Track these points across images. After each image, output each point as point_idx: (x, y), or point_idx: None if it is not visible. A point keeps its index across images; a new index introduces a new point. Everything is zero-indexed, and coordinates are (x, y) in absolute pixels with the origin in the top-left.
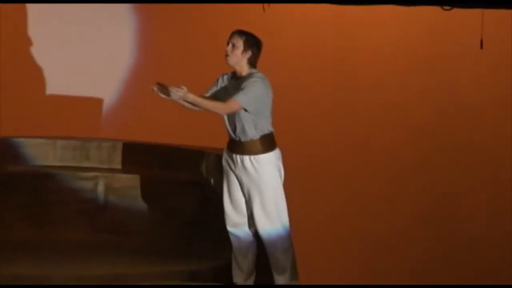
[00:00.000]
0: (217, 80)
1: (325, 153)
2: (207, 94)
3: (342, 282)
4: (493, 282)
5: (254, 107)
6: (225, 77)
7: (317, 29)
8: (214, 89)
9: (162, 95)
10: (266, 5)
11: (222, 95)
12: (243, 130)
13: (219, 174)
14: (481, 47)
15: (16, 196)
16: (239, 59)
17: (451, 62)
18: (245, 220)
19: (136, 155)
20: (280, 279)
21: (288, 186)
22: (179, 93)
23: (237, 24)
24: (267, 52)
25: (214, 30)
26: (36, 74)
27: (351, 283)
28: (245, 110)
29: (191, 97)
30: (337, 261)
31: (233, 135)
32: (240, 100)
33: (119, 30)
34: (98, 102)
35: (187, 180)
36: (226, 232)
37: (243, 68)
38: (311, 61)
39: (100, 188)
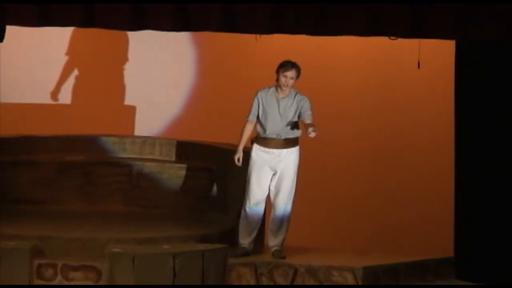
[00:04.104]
0: (257, 100)
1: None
2: (253, 112)
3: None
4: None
5: None
6: (263, 95)
7: (299, 54)
8: (260, 108)
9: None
10: (258, 36)
11: (270, 110)
12: (292, 132)
13: (221, 162)
14: (418, 67)
15: (70, 179)
16: (291, 86)
17: (396, 78)
18: (265, 197)
19: (160, 148)
20: (275, 241)
21: None
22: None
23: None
24: (260, 71)
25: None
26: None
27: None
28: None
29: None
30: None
31: (274, 136)
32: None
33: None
34: (131, 109)
35: (199, 166)
36: (229, 204)
37: (289, 90)
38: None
39: (134, 172)
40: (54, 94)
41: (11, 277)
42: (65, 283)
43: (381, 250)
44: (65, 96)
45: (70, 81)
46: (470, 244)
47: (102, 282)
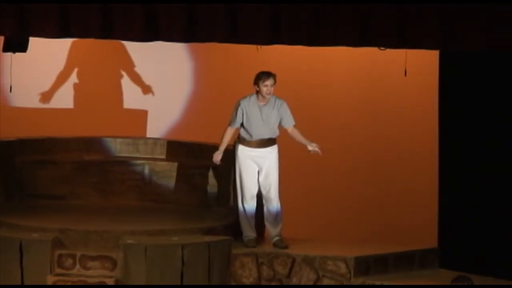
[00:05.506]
0: (241, 109)
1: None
2: (238, 120)
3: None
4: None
5: None
6: (245, 103)
7: (296, 62)
8: (244, 116)
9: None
10: (258, 46)
11: (253, 117)
12: (274, 133)
13: (225, 161)
14: (405, 75)
15: (88, 177)
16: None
17: (384, 84)
18: (257, 191)
19: (170, 148)
20: (275, 231)
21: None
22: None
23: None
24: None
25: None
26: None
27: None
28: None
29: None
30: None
31: (260, 137)
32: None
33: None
34: (143, 113)
35: (205, 165)
36: (233, 200)
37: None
38: (290, 85)
39: (146, 171)
40: (73, 100)
41: (34, 266)
42: (83, 272)
43: (372, 241)
44: (85, 103)
45: (89, 90)
46: (452, 236)
47: (117, 270)
